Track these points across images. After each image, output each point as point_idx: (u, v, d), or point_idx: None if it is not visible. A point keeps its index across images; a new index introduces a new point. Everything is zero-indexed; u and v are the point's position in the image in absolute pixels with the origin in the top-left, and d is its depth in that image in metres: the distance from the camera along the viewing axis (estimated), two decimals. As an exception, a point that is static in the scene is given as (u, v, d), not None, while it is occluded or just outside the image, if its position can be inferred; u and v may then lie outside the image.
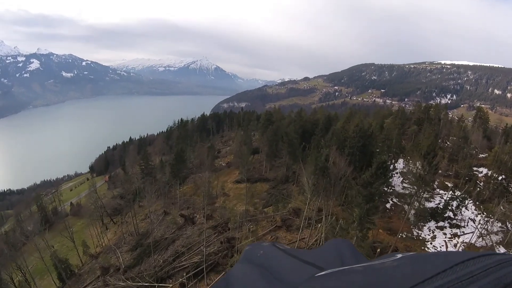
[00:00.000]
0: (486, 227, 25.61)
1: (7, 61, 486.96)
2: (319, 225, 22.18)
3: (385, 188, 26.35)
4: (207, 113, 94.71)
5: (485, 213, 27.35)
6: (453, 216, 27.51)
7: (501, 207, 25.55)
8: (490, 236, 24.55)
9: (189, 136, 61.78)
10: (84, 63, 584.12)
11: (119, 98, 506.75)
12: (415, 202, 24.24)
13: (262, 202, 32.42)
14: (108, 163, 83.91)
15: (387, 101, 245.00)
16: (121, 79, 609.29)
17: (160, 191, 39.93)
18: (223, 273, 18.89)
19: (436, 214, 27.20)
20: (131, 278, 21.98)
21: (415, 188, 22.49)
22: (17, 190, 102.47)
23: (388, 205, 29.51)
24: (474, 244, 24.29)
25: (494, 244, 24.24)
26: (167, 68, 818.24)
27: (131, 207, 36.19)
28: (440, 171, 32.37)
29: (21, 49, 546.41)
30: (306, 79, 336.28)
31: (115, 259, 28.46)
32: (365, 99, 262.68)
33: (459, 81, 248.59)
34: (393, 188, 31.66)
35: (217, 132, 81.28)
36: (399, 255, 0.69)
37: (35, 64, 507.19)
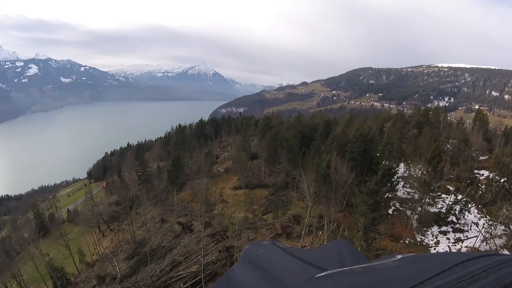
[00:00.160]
0: (489, 230, 25.16)
1: (5, 66, 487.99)
2: (320, 232, 21.62)
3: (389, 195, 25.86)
4: (205, 118, 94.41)
5: (488, 217, 26.92)
6: (456, 221, 27.00)
7: (504, 210, 25.14)
8: (494, 240, 24.08)
9: (187, 142, 61.20)
10: (82, 69, 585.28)
11: (117, 104, 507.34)
12: (418, 208, 23.75)
13: (261, 209, 31.80)
14: (106, 169, 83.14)
15: (385, 104, 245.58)
16: (119, 85, 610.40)
17: (157, 198, 39.22)
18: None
19: (439, 219, 26.71)
20: (128, 287, 21.36)
21: (419, 193, 21.93)
22: (14, 196, 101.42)
23: (390, 211, 28.97)
24: (478, 249, 23.81)
25: (498, 248, 23.78)
26: (165, 73, 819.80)
27: (127, 214, 35.56)
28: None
29: (20, 54, 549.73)
30: (304, 83, 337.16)
31: (112, 268, 27.78)
32: (363, 103, 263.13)
33: (457, 83, 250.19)
34: (394, 193, 31.17)
35: (215, 137, 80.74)
36: (399, 256, 0.70)
37: (33, 69, 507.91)
